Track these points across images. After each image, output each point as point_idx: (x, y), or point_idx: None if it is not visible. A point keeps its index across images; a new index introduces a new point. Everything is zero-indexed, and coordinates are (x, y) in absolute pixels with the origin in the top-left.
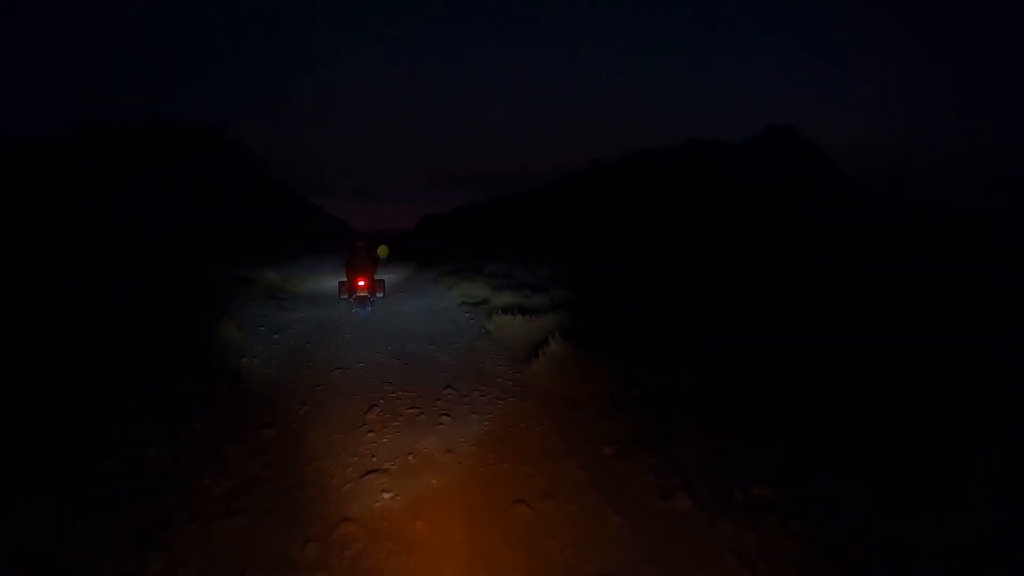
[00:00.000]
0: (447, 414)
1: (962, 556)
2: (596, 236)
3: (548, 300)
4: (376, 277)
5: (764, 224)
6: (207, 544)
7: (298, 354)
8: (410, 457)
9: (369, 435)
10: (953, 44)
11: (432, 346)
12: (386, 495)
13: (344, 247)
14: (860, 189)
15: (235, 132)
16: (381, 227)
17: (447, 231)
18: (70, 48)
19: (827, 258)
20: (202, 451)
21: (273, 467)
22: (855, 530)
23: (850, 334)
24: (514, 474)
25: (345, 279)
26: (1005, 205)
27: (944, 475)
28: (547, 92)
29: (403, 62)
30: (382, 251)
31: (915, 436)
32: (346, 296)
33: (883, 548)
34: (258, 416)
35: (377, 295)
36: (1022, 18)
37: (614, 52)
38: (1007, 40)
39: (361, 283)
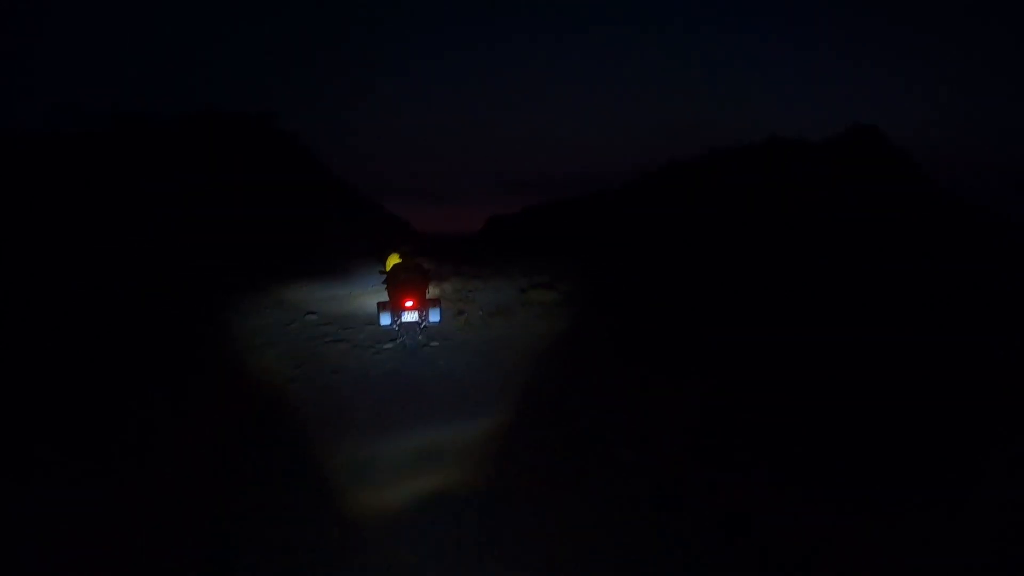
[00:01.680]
0: None
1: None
2: (687, 241)
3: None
4: (429, 295)
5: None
6: None
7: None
8: None
9: None
10: None
11: None
12: None
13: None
14: (943, 192)
15: (291, 124)
16: (446, 229)
17: (519, 233)
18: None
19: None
20: None
21: None
22: None
23: None
24: None
25: (387, 299)
26: None
27: None
28: (618, 91)
29: (471, 66)
30: (394, 258)
31: None
32: (389, 323)
33: None
34: None
35: (430, 320)
36: None
37: (692, 48)
38: None
39: (408, 304)
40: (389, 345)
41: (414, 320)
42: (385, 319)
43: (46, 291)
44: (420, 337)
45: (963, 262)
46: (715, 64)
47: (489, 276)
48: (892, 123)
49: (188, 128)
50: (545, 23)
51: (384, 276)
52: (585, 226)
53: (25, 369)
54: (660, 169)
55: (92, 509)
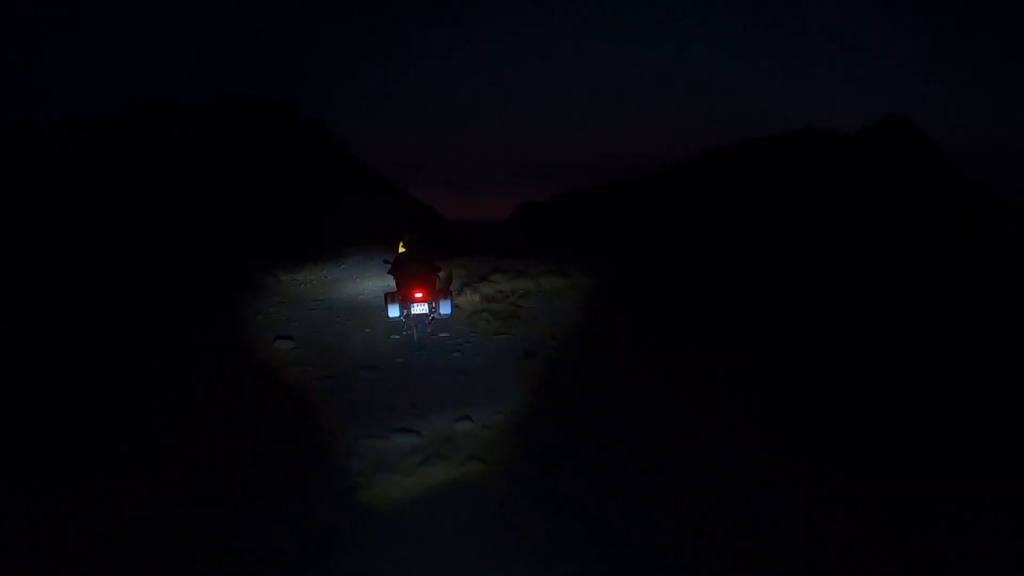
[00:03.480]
0: None
1: None
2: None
3: None
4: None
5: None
6: None
7: None
8: None
9: None
10: None
11: None
12: None
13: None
14: (973, 184)
15: (318, 114)
16: (473, 217)
17: (550, 222)
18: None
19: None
20: None
21: None
22: None
23: None
24: None
25: (394, 289)
26: None
27: None
28: (649, 80)
29: (499, 52)
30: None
31: None
32: (396, 314)
33: None
34: None
35: (440, 312)
36: None
37: (725, 36)
38: None
39: (418, 294)
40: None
41: (423, 312)
42: (393, 311)
43: (52, 283)
44: (428, 329)
45: (992, 254)
46: (746, 53)
47: (539, 274)
48: (925, 115)
49: (208, 114)
50: (578, 8)
51: (393, 263)
52: (618, 215)
53: (25, 367)
54: (693, 158)
55: (99, 511)
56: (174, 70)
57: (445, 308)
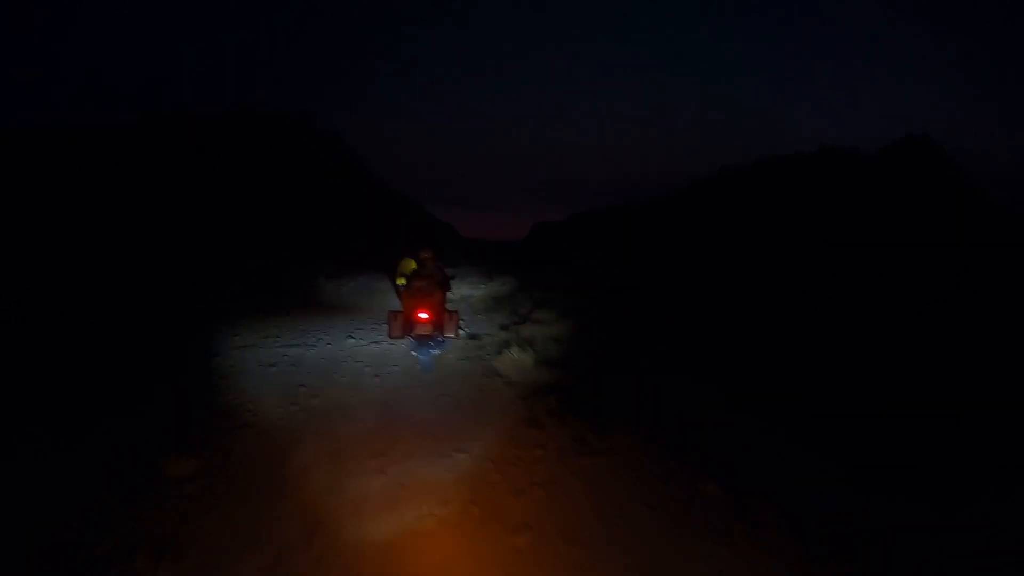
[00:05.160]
0: None
1: None
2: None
3: None
4: (449, 307)
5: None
6: None
7: None
8: None
9: None
10: None
11: None
12: None
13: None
14: (993, 205)
15: (332, 124)
16: (490, 236)
17: (572, 241)
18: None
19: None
20: None
21: None
22: None
23: None
24: None
25: (400, 308)
26: None
27: None
28: (666, 100)
29: (517, 74)
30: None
31: None
32: (399, 334)
33: None
34: None
35: (447, 335)
36: None
37: (739, 53)
38: None
39: (423, 315)
40: None
41: (427, 334)
42: (395, 332)
43: (55, 281)
44: (436, 351)
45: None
46: (761, 74)
47: (587, 315)
48: (924, 115)
49: (223, 126)
50: (597, 30)
51: (402, 286)
52: (645, 235)
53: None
54: (712, 178)
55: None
56: (193, 82)
57: (451, 332)
